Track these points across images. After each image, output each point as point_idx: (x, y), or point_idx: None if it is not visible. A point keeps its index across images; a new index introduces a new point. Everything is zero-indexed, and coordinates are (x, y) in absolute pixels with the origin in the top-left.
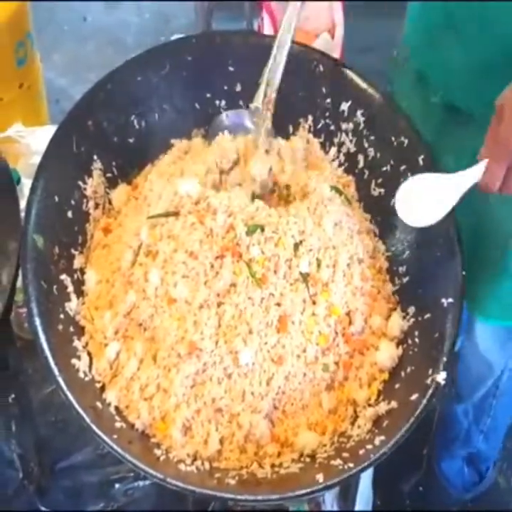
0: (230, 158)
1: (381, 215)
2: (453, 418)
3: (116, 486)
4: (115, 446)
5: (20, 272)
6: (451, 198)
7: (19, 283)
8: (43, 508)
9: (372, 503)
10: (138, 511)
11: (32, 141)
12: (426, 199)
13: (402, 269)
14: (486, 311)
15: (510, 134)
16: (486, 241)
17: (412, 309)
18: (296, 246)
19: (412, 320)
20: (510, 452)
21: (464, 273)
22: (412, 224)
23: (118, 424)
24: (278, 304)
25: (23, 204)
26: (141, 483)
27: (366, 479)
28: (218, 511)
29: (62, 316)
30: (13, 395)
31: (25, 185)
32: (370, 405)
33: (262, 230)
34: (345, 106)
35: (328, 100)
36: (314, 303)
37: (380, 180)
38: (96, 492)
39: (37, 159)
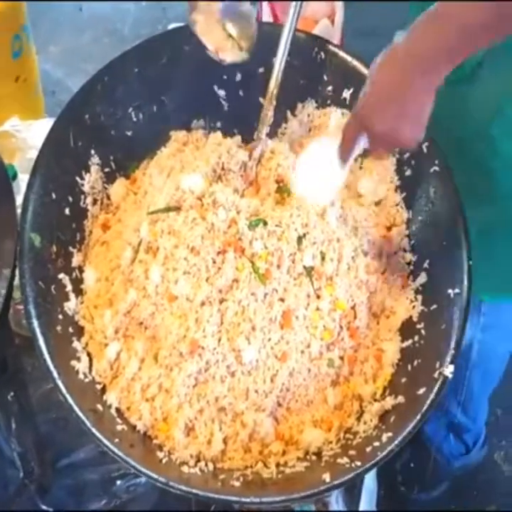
0: (238, 159)
1: None
2: None
3: (118, 482)
4: (117, 451)
5: (17, 272)
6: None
7: (17, 281)
8: (44, 507)
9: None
10: (140, 510)
11: (28, 136)
12: (320, 177)
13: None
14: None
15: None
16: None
17: (418, 300)
18: (300, 239)
19: (418, 311)
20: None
21: (470, 263)
22: (312, 202)
23: (119, 427)
24: (281, 300)
25: (19, 200)
26: (143, 479)
27: (372, 472)
28: (221, 510)
29: (60, 316)
30: (12, 393)
31: (23, 180)
32: (376, 400)
33: (265, 223)
34: (347, 93)
35: (330, 88)
36: (318, 297)
37: None
38: (98, 489)
39: (34, 154)
